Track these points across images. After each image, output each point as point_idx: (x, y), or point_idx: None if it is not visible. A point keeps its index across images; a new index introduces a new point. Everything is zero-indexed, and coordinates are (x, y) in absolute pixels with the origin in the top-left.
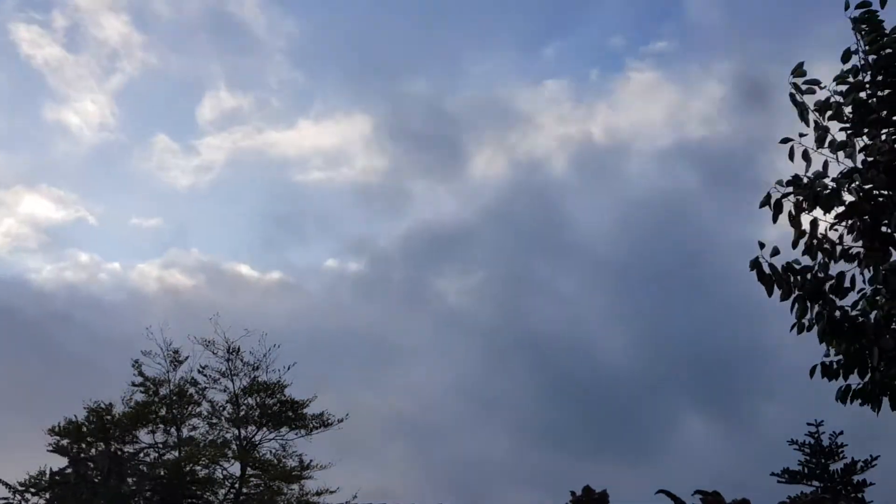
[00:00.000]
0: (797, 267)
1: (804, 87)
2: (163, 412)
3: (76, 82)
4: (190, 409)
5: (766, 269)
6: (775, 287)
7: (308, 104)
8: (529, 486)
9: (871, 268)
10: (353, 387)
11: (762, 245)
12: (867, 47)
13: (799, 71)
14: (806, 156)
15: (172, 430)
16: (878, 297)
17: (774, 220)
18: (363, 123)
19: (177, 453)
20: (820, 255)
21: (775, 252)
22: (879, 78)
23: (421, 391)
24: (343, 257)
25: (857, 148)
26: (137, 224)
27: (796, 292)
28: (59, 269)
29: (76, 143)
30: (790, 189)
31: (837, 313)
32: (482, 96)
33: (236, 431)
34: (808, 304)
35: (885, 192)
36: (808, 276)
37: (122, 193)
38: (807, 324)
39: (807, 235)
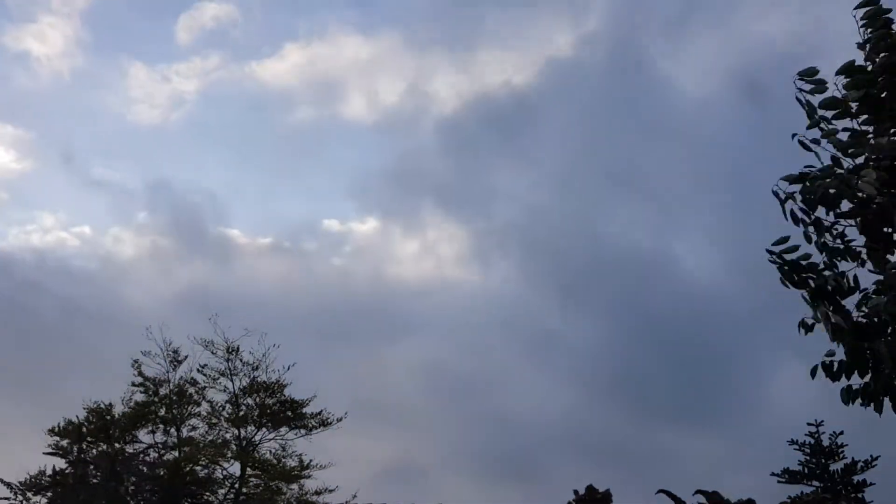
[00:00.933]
0: (804, 264)
1: (810, 88)
2: (162, 412)
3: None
4: (189, 409)
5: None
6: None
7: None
8: (590, 459)
9: (875, 268)
10: (373, 342)
11: (785, 239)
12: (875, 44)
13: (808, 71)
14: (817, 143)
15: (172, 430)
16: (881, 298)
17: (785, 215)
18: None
19: (176, 453)
20: (824, 254)
21: (792, 249)
22: (884, 77)
23: (459, 333)
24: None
25: (864, 145)
26: (107, 176)
27: (804, 291)
28: (25, 232)
29: (37, 74)
30: (796, 186)
31: (840, 313)
32: None
33: (236, 431)
34: (814, 304)
35: (888, 192)
36: (814, 275)
37: (88, 133)
38: (810, 323)
39: (813, 233)
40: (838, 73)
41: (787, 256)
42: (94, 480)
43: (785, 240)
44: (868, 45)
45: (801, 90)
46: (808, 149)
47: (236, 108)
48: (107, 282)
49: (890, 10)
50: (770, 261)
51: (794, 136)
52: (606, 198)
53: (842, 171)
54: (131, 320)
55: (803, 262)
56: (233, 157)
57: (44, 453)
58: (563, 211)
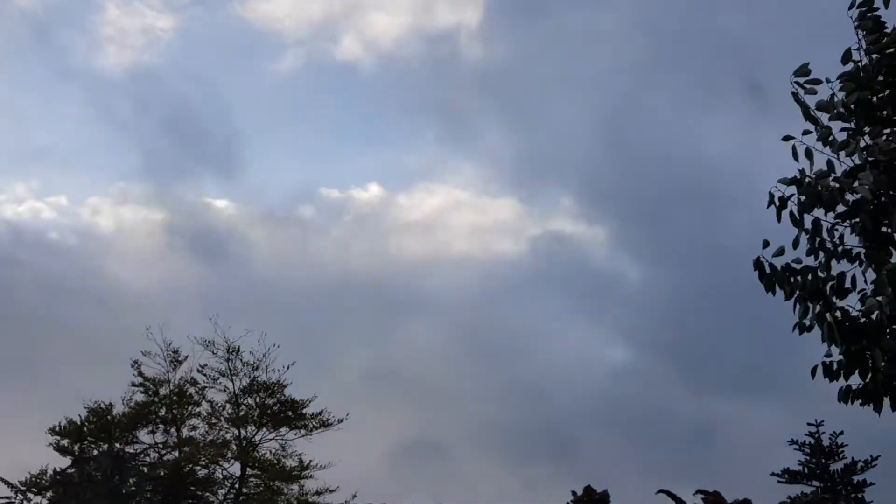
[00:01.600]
0: (797, 267)
1: (807, 87)
2: (163, 412)
3: None
4: (189, 409)
5: (767, 269)
6: (777, 287)
7: None
8: (635, 435)
9: (872, 268)
10: (390, 309)
11: (767, 243)
12: (868, 47)
13: (803, 70)
14: (809, 154)
15: (172, 430)
16: (878, 298)
17: (779, 218)
18: None
19: (177, 453)
20: (821, 255)
21: (780, 252)
22: (881, 78)
23: (489, 289)
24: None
25: (860, 147)
26: (80, 132)
27: (797, 293)
28: None
29: (8, 16)
30: (793, 188)
31: (838, 314)
32: None
33: (236, 431)
34: (809, 305)
35: (887, 193)
36: (809, 276)
37: (56, 82)
38: (808, 324)
39: (809, 235)
40: (839, 78)
41: (779, 260)
42: (96, 480)
43: (767, 243)
44: (862, 40)
45: (798, 85)
46: (796, 158)
47: (217, 47)
48: (86, 257)
49: (878, 8)
50: (759, 270)
51: (786, 138)
52: (693, 94)
53: (837, 175)
54: (116, 297)
55: (796, 266)
56: (218, 100)
57: (48, 445)
58: (632, 120)
